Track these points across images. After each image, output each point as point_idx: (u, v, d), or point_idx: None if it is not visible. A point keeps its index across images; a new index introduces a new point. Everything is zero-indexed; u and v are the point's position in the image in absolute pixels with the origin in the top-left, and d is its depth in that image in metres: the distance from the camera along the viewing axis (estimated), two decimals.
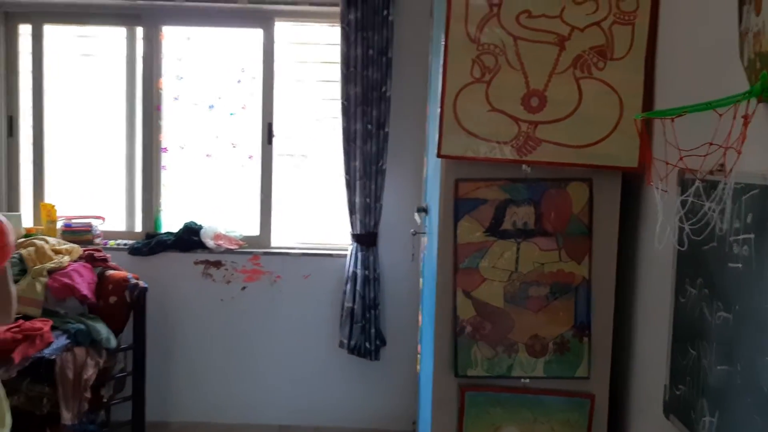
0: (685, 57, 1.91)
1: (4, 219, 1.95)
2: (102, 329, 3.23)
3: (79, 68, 3.96)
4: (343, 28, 3.56)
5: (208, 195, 3.98)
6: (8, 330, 2.86)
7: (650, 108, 2.10)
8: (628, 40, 2.12)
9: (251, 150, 3.92)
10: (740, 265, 1.45)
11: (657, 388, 1.89)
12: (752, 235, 1.40)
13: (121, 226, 3.97)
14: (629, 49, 2.12)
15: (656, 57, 2.11)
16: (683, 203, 1.58)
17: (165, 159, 3.95)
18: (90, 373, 3.10)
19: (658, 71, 2.10)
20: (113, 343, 3.28)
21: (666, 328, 1.83)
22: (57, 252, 3.42)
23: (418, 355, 3.58)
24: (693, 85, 1.82)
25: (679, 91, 1.93)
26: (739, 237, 1.46)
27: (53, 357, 2.96)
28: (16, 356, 2.79)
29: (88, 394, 3.10)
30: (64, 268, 3.32)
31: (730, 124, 1.39)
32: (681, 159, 1.55)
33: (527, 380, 2.25)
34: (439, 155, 2.21)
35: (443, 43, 2.19)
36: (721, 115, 1.41)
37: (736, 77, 1.48)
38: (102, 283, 3.43)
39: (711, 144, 1.47)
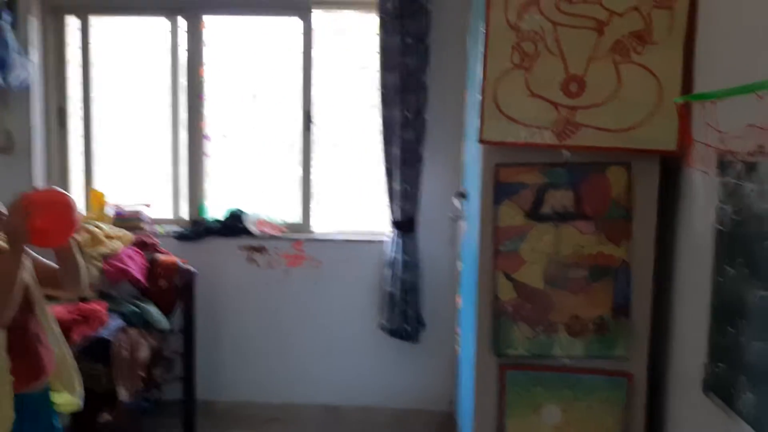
0: (725, 40, 1.92)
1: (70, 196, 2.06)
2: (153, 311, 3.37)
3: (124, 59, 4.08)
4: (380, 17, 3.60)
5: (251, 182, 4.09)
6: (67, 311, 3.01)
7: (689, 91, 2.11)
8: (667, 24, 2.14)
9: (291, 138, 4.00)
10: None
11: (696, 367, 1.93)
12: None
13: (167, 213, 4.10)
14: (668, 33, 2.13)
15: (695, 40, 2.12)
16: (723, 184, 1.61)
17: (208, 147, 4.06)
18: (144, 353, 3.25)
19: (697, 54, 2.11)
20: (164, 324, 3.43)
21: (705, 308, 1.87)
22: (109, 238, 3.56)
23: (457, 337, 3.65)
24: (733, 68, 1.84)
25: (719, 73, 1.95)
26: None
27: (109, 337, 3.10)
28: (75, 336, 2.93)
29: (142, 373, 3.24)
30: (117, 253, 3.46)
31: None
32: (722, 141, 1.59)
33: (567, 360, 2.30)
34: (480, 141, 2.27)
35: (483, 30, 2.23)
36: (761, 97, 1.44)
37: None
38: (152, 267, 3.56)
39: (751, 126, 1.50)
